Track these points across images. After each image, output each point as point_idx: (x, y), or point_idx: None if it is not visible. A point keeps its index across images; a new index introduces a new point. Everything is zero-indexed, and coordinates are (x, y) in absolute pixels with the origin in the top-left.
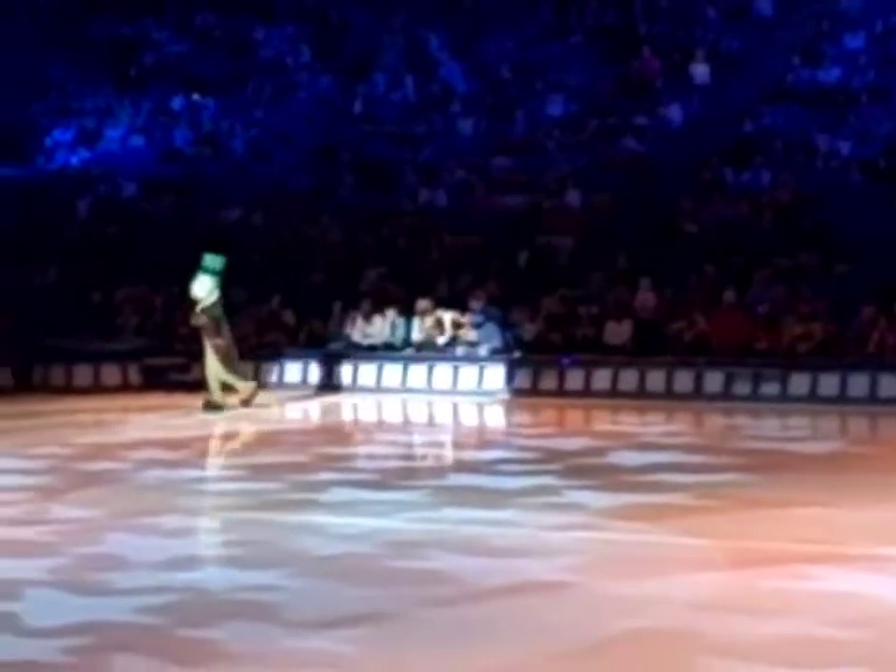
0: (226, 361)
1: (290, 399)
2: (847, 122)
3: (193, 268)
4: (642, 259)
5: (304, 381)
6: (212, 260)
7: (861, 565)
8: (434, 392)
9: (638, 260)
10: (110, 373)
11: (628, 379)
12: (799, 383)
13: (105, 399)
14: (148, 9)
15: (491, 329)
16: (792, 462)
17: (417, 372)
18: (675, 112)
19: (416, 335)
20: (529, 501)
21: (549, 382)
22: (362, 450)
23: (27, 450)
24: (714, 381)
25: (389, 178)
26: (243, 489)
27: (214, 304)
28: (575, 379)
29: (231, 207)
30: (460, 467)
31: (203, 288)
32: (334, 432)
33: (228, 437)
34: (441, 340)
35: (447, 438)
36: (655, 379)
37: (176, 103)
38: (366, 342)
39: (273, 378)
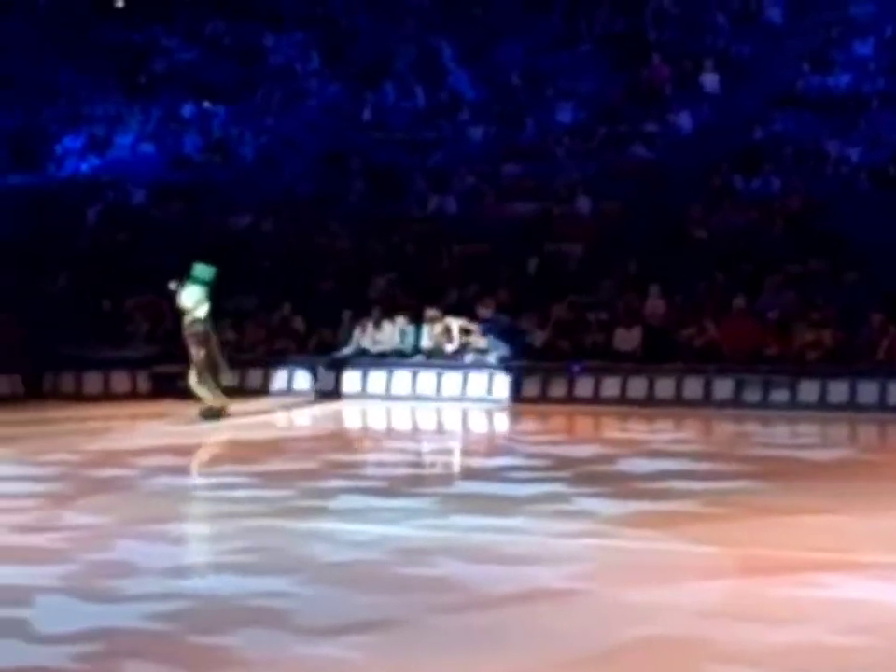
0: (201, 374)
1: (299, 406)
2: (857, 129)
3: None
4: (652, 265)
5: (312, 388)
6: (202, 271)
7: (872, 572)
8: (443, 399)
9: (648, 267)
10: (120, 381)
11: (637, 386)
12: (809, 390)
13: (115, 407)
14: (158, 17)
15: (497, 336)
16: (802, 469)
17: (426, 380)
18: (685, 119)
19: (426, 342)
20: (538, 509)
21: (558, 389)
22: (371, 457)
23: (37, 457)
24: (724, 388)
25: (399, 185)
26: (252, 496)
27: (202, 319)
28: (584, 386)
29: (241, 214)
30: (469, 474)
31: (192, 299)
32: (343, 439)
33: (236, 444)
34: (450, 347)
35: (456, 445)
36: (665, 386)
37: (186, 110)
38: (375, 349)
39: (282, 385)
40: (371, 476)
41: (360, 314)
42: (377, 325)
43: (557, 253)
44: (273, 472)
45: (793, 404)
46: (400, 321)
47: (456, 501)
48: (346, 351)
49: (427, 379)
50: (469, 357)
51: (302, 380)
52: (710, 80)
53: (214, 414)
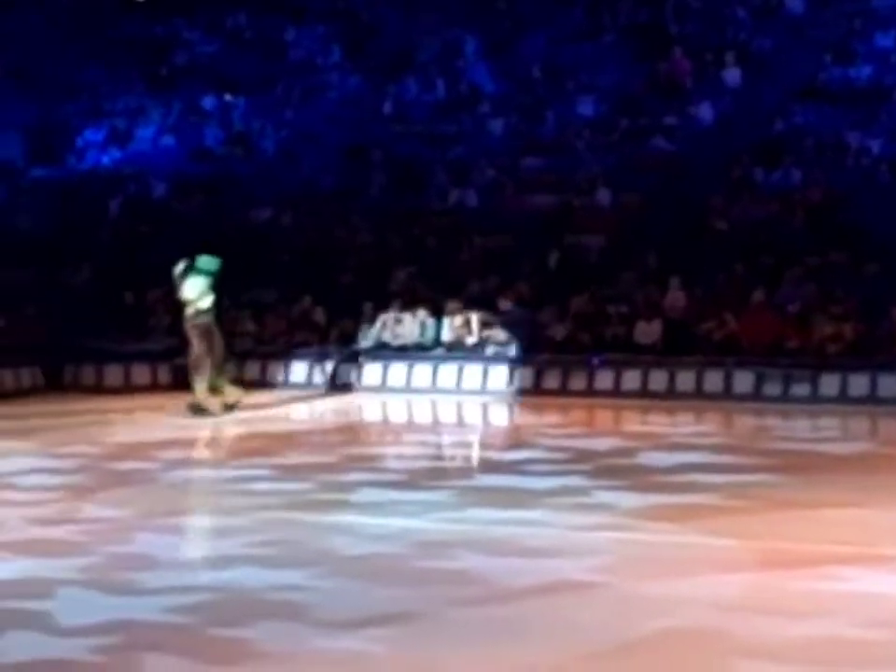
0: (198, 368)
1: (319, 399)
2: (878, 120)
3: (223, 268)
4: (672, 258)
5: (332, 381)
6: (207, 262)
7: (893, 566)
8: (463, 392)
9: (668, 260)
10: (140, 373)
11: (658, 379)
12: (829, 383)
13: (135, 399)
14: (179, 10)
15: (514, 328)
16: (823, 463)
17: (447, 372)
18: (705, 111)
19: (446, 335)
20: (558, 501)
21: (578, 382)
22: (391, 450)
23: (58, 449)
24: (744, 381)
25: (419, 178)
26: (272, 489)
27: (206, 311)
28: (604, 379)
29: (261, 207)
30: (489, 467)
31: (195, 290)
32: (363, 432)
33: (256, 437)
34: (471, 340)
35: (476, 438)
36: (685, 379)
37: (207, 103)
38: (396, 342)
39: (302, 377)
40: (391, 469)
41: (381, 307)
42: (398, 318)
43: (578, 246)
44: (292, 465)
45: (814, 397)
46: (421, 314)
47: (476, 494)
48: (367, 344)
49: (447, 372)
50: (489, 350)
51: (322, 373)
52: (732, 76)
53: (200, 410)
